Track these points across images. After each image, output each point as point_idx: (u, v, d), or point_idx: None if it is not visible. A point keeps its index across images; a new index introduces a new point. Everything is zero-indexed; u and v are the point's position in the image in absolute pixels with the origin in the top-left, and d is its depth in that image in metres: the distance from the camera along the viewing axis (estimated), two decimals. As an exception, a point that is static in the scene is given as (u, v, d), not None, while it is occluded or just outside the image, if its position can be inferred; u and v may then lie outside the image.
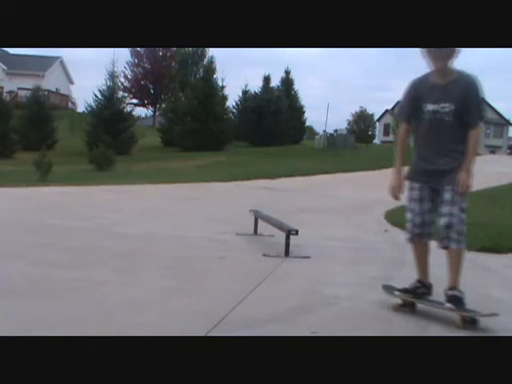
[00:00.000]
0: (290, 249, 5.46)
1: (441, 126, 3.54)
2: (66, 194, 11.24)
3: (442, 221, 3.49)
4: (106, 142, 22.98)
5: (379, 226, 7.98)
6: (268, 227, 6.32)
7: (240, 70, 78.97)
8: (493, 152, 49.33)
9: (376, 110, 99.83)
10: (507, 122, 62.73)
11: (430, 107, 3.56)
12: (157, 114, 44.84)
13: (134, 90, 46.19)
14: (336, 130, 36.37)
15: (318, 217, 8.88)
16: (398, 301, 3.77)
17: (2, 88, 35.58)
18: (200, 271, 4.79)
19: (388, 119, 58.10)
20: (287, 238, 5.43)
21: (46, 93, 34.26)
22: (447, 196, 3.48)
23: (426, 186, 3.63)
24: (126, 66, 45.95)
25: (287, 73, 38.33)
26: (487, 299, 4.02)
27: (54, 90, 41.80)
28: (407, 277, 4.66)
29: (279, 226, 5.87)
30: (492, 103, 55.61)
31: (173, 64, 44.53)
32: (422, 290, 3.72)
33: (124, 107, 30.66)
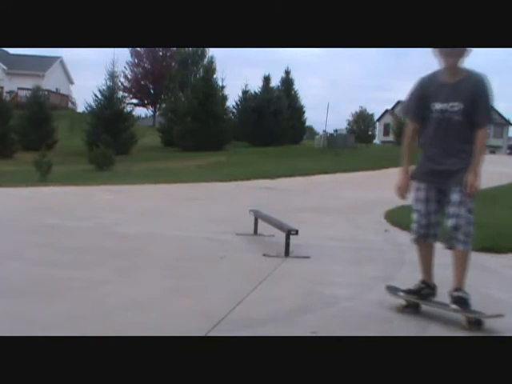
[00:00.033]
0: (290, 249, 5.46)
1: (449, 126, 3.49)
2: (66, 193, 11.25)
3: (450, 222, 3.45)
4: (106, 142, 22.96)
5: (379, 226, 7.98)
6: (268, 227, 6.32)
7: (240, 70, 78.95)
8: (493, 152, 49.30)
9: (376, 110, 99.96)
10: (507, 122, 62.73)
11: (438, 106, 3.51)
12: (157, 114, 44.84)
13: (134, 90, 46.15)
14: (336, 130, 36.33)
15: (317, 217, 8.88)
16: (402, 302, 3.74)
17: (2, 88, 35.58)
18: (200, 271, 4.79)
19: (388, 119, 58.13)
20: (287, 238, 5.43)
21: (46, 93, 34.25)
22: (455, 197, 3.44)
23: (432, 187, 3.59)
24: (126, 66, 45.99)
25: (287, 73, 38.34)
26: (487, 299, 4.02)
27: (54, 90, 41.80)
28: (407, 277, 4.66)
29: (279, 225, 5.87)
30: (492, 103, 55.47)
31: (173, 64, 44.52)
32: (426, 290, 3.69)
33: (124, 107, 30.65)
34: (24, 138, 27.88)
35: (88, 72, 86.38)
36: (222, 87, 32.94)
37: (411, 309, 3.70)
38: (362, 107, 59.40)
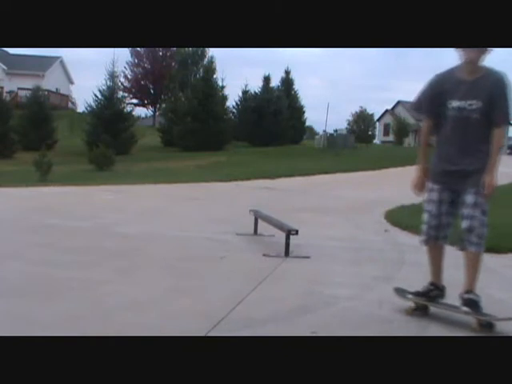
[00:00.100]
0: (290, 249, 5.46)
1: (467, 124, 3.39)
2: (66, 193, 11.25)
3: (464, 224, 3.39)
4: (106, 142, 22.95)
5: (379, 226, 7.98)
6: (268, 227, 6.32)
7: (240, 70, 78.86)
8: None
9: (376, 110, 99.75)
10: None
11: (455, 104, 3.41)
12: (157, 114, 44.82)
13: (134, 90, 46.14)
14: (336, 130, 36.33)
15: (317, 217, 8.88)
16: (411, 304, 3.69)
17: (2, 88, 35.57)
18: (200, 271, 4.79)
19: (388, 119, 58.10)
20: (287, 238, 5.43)
21: (46, 93, 34.24)
22: (470, 198, 3.38)
23: (445, 188, 3.51)
24: (126, 66, 45.96)
25: (287, 73, 38.33)
26: (487, 299, 4.00)
27: (54, 90, 41.79)
28: (407, 277, 4.67)
29: (279, 226, 5.87)
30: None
31: (173, 64, 44.51)
32: (435, 292, 3.63)
33: (124, 107, 30.63)
34: (24, 138, 27.86)
35: (88, 72, 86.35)
36: (222, 87, 32.96)
37: (420, 311, 3.64)
38: (362, 107, 59.40)
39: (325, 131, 35.85)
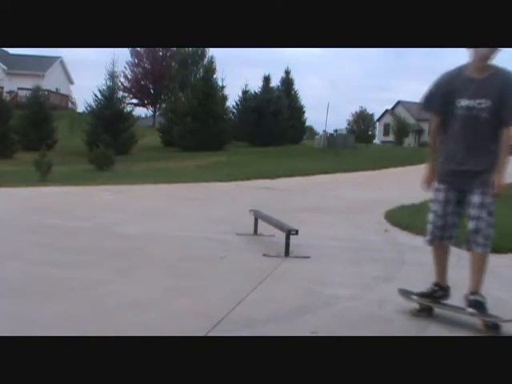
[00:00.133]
0: (290, 249, 5.46)
1: (476, 123, 3.35)
2: (66, 193, 11.25)
3: (470, 224, 3.38)
4: (106, 142, 22.95)
5: (379, 226, 7.98)
6: (268, 227, 6.32)
7: (240, 70, 78.84)
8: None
9: (376, 110, 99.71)
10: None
11: (464, 103, 3.37)
12: (157, 114, 44.83)
13: (134, 90, 46.14)
14: (336, 130, 36.34)
15: (317, 217, 8.88)
16: (416, 305, 3.67)
17: (2, 88, 35.56)
18: (200, 271, 4.79)
19: (388, 119, 58.07)
20: (287, 238, 5.43)
21: (46, 93, 34.23)
22: (476, 199, 3.36)
23: (452, 187, 3.49)
24: (126, 66, 45.96)
25: (287, 73, 38.34)
26: (487, 299, 4.01)
27: (54, 90, 41.78)
28: (407, 277, 4.67)
29: (279, 226, 5.87)
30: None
31: (173, 64, 44.51)
32: (439, 293, 3.62)
33: (124, 107, 30.64)
34: (24, 138, 27.87)
35: (88, 72, 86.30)
36: (222, 87, 32.97)
37: (425, 312, 3.62)
38: (362, 107, 59.47)
39: (325, 131, 35.87)
